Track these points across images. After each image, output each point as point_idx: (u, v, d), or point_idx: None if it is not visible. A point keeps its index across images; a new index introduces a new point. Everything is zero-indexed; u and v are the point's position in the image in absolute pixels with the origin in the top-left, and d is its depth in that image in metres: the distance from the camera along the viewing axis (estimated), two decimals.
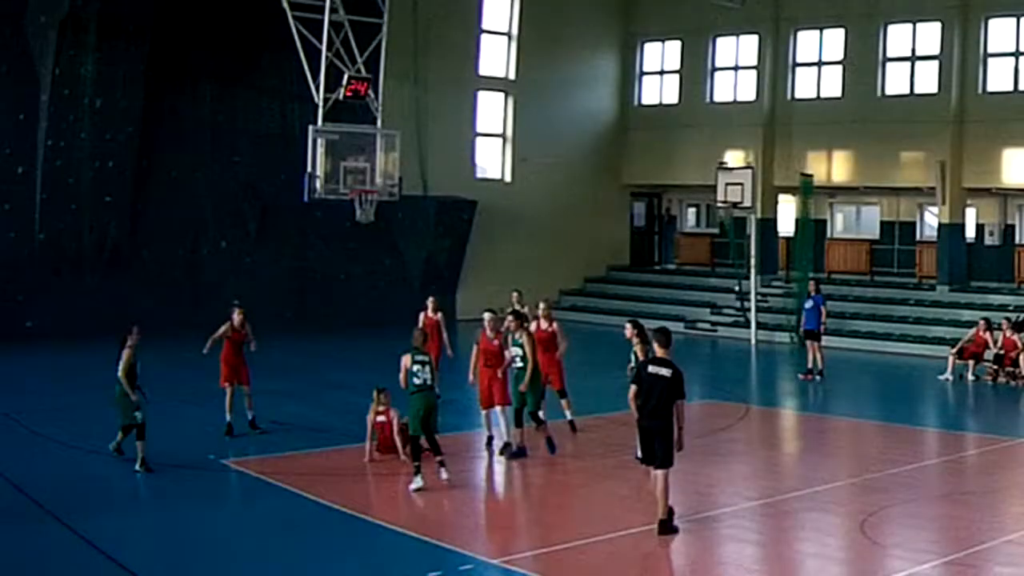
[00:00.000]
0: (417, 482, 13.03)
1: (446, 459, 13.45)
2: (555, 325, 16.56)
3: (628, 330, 14.51)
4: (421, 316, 18.41)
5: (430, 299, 19.04)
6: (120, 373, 14.03)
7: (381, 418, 14.52)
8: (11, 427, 16.51)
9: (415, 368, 13.16)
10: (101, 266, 26.25)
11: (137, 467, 13.90)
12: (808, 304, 23.07)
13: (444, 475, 13.29)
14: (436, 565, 10.46)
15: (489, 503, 13.67)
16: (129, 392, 14.00)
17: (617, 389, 16.52)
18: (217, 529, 11.93)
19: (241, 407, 16.19)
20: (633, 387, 11.67)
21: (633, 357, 14.40)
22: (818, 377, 22.34)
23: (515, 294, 18.86)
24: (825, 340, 23.22)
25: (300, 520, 12.22)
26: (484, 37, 32.92)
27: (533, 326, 16.02)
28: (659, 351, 11.71)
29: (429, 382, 13.23)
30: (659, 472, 11.50)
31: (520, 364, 14.88)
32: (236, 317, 16.31)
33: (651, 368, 11.61)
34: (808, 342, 22.86)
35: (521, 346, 14.92)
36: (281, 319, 27.49)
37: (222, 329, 16.21)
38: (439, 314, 18.78)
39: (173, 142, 27.33)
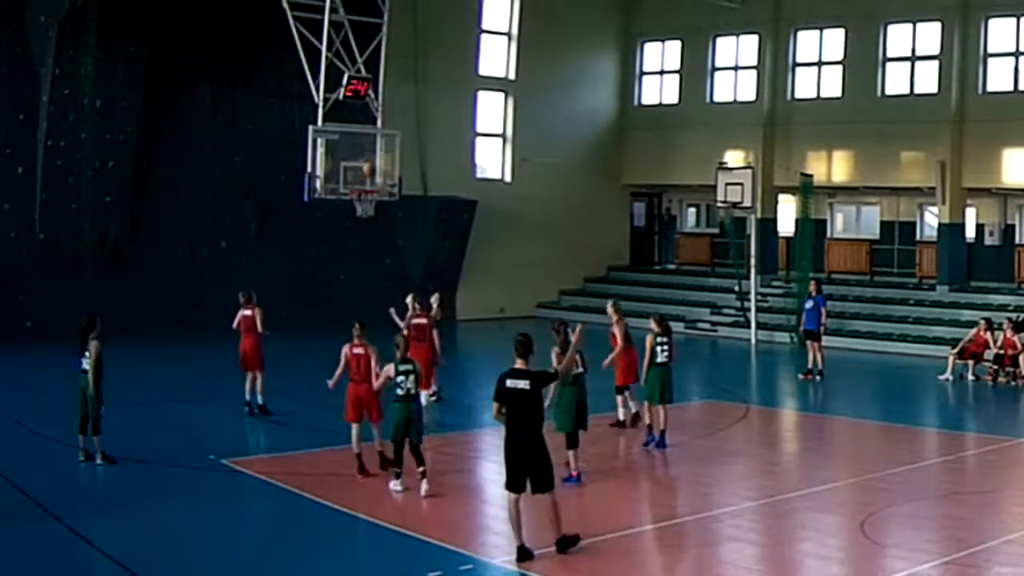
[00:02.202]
0: (397, 485, 12.99)
1: (428, 471, 13.00)
2: (616, 327, 16.59)
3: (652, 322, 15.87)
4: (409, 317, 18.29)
5: (413, 298, 18.55)
6: (93, 365, 14.15)
7: (358, 351, 14.01)
8: (11, 427, 16.51)
9: (399, 378, 12.87)
10: (101, 266, 26.26)
11: (99, 460, 14.15)
12: (809, 304, 23.06)
13: (424, 488, 12.87)
14: (436, 565, 10.46)
15: (490, 503, 13.66)
16: (95, 383, 14.17)
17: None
18: (217, 529, 11.92)
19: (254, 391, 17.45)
20: (495, 404, 10.93)
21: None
22: (818, 377, 22.34)
23: (411, 296, 18.72)
24: (825, 340, 23.22)
25: (300, 520, 12.22)
26: (484, 37, 32.93)
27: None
28: (517, 362, 10.87)
29: (412, 391, 12.94)
30: (544, 497, 10.73)
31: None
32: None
33: (509, 382, 10.81)
34: (808, 342, 22.87)
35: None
36: (281, 319, 27.39)
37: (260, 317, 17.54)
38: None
39: (173, 142, 27.34)
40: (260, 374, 17.59)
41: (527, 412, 10.74)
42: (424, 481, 12.93)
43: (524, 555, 10.61)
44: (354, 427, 13.93)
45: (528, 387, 10.72)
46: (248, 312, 17.71)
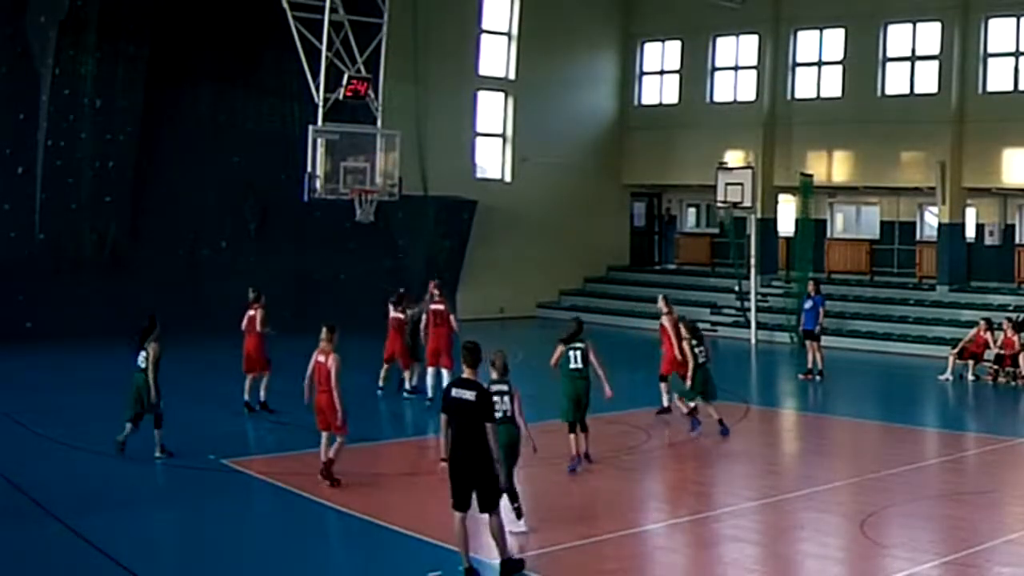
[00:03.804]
0: (521, 525, 11.59)
1: (521, 507, 11.76)
2: (666, 319, 17.63)
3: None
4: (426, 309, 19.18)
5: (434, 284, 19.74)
6: (152, 365, 14.39)
7: (320, 358, 13.32)
8: (11, 427, 16.51)
9: (495, 399, 11.35)
10: (101, 266, 26.24)
11: (158, 453, 14.42)
12: (807, 304, 23.08)
13: (520, 527, 11.57)
14: (436, 565, 10.46)
15: (481, 520, 13.65)
16: (153, 384, 14.37)
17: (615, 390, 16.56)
18: (217, 529, 11.92)
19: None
20: (443, 416, 10.32)
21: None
22: (818, 377, 22.33)
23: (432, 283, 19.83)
24: (825, 340, 23.22)
25: (300, 520, 12.22)
26: (484, 37, 32.94)
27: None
28: (465, 371, 10.41)
29: (509, 413, 11.64)
30: (490, 517, 10.11)
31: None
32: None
33: (454, 392, 10.27)
34: (807, 342, 22.88)
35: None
36: (280, 319, 27.35)
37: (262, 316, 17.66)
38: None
39: (173, 142, 27.32)
40: (264, 373, 17.74)
41: (471, 425, 10.03)
42: (518, 518, 11.63)
43: (513, 566, 10.21)
44: (323, 435, 13.47)
45: (473, 399, 10.08)
46: (252, 312, 17.87)
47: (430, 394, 18.32)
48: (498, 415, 11.26)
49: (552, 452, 14.94)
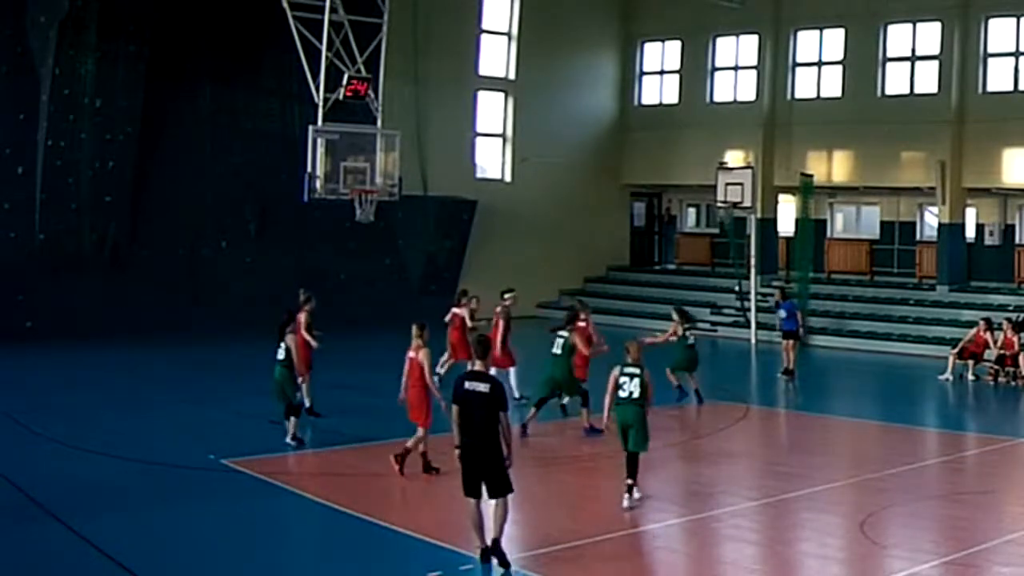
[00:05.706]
0: (626, 500, 12.48)
1: (636, 486, 12.61)
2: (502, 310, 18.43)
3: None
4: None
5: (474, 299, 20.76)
6: (296, 357, 15.14)
7: (410, 354, 13.86)
8: (11, 427, 16.50)
9: (622, 380, 12.63)
10: (101, 266, 26.21)
11: (289, 440, 15.11)
12: (782, 313, 23.10)
13: (626, 502, 12.49)
14: (436, 565, 10.46)
15: (490, 503, 13.64)
16: (293, 376, 15.17)
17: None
18: (217, 529, 11.91)
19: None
20: (455, 407, 10.55)
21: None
22: (788, 376, 22.39)
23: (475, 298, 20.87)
24: (825, 340, 23.28)
25: (300, 520, 12.23)
26: (484, 37, 32.94)
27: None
28: (477, 364, 10.77)
29: (635, 395, 12.52)
30: (497, 501, 10.45)
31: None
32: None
33: (467, 384, 10.54)
34: (788, 341, 22.84)
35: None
36: (281, 319, 27.46)
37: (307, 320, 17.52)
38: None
39: (173, 142, 27.31)
40: (302, 377, 17.75)
41: (483, 416, 10.33)
42: (627, 495, 12.51)
43: (487, 557, 10.43)
44: (419, 430, 13.82)
45: (488, 391, 10.37)
46: (299, 315, 17.93)
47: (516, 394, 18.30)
48: (623, 394, 12.63)
49: (549, 452, 14.97)
